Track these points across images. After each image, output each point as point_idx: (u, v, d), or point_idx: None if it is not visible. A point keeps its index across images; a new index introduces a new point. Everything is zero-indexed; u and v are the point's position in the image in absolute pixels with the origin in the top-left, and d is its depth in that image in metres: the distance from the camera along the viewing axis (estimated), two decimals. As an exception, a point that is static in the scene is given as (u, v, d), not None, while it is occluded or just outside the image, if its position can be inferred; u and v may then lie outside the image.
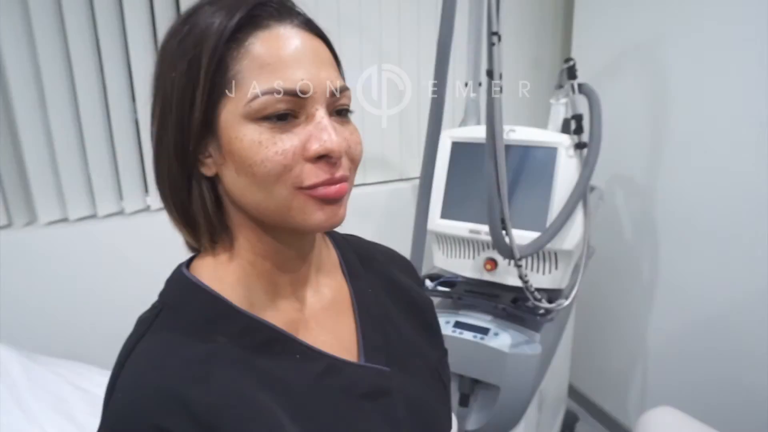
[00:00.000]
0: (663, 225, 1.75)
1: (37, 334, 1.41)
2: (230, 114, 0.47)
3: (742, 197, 1.47)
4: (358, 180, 1.08)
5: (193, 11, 0.49)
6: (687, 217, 1.66)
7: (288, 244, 0.55)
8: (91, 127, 1.48)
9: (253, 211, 0.51)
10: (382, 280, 0.68)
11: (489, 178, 1.14)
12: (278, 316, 0.55)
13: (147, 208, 1.61)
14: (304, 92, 0.47)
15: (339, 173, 0.49)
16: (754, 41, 1.38)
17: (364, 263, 0.67)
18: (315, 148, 0.47)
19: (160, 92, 0.49)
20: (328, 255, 0.64)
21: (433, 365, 0.67)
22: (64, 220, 1.51)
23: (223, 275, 0.53)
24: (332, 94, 0.49)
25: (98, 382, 1.17)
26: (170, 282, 0.55)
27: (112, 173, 1.54)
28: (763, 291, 1.45)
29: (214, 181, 0.52)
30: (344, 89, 0.51)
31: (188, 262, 0.56)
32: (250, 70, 0.47)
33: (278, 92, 0.46)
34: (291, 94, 0.47)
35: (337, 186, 0.49)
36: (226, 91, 0.47)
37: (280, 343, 0.53)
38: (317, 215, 0.49)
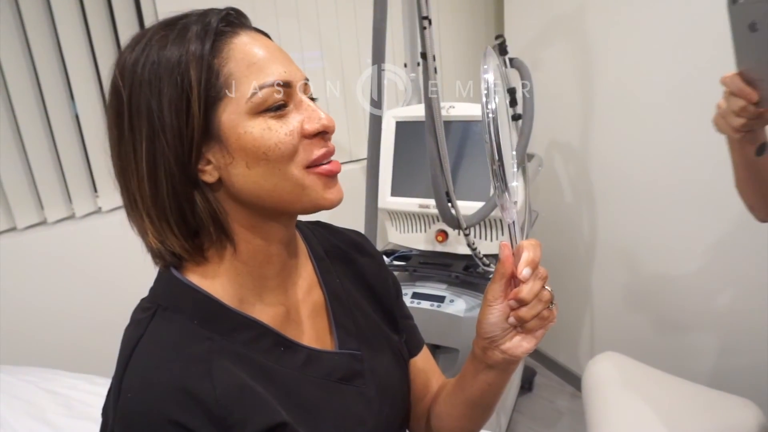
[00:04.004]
0: (599, 185, 1.87)
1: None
2: (232, 114, 0.52)
3: (669, 154, 1.59)
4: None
5: (151, 36, 0.52)
6: (620, 176, 1.78)
7: (280, 236, 0.59)
8: (30, 129, 1.45)
9: (265, 200, 0.54)
10: (346, 268, 0.73)
11: (431, 154, 1.21)
12: (265, 310, 0.60)
13: (98, 210, 1.60)
14: (289, 82, 0.54)
15: (331, 146, 0.57)
16: (672, 3, 1.49)
17: (329, 253, 0.72)
18: (314, 126, 0.54)
19: (139, 115, 0.51)
20: (300, 246, 0.69)
21: (394, 345, 0.73)
22: (12, 229, 1.49)
23: (214, 275, 0.57)
24: (306, 83, 0.57)
25: (68, 384, 1.19)
26: (160, 282, 0.57)
27: (58, 176, 1.52)
28: (693, 241, 1.59)
29: (212, 188, 0.54)
30: (308, 80, 0.58)
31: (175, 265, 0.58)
32: (240, 70, 0.52)
33: (278, 84, 0.52)
34: (285, 85, 0.53)
35: (335, 162, 0.57)
36: (226, 91, 0.51)
37: (267, 338, 0.58)
38: (329, 192, 0.56)
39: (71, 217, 1.57)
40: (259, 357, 0.56)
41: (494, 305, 0.58)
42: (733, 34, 0.69)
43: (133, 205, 0.54)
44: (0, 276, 1.43)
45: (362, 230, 1.41)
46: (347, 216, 1.41)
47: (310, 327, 0.65)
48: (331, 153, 0.56)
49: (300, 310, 0.64)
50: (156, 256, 0.57)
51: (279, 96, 0.53)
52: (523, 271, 0.55)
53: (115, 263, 1.52)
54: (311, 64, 1.90)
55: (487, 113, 0.52)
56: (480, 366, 0.63)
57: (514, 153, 0.62)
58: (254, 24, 0.58)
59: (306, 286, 0.66)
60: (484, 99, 0.52)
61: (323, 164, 0.55)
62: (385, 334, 0.73)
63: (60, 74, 1.48)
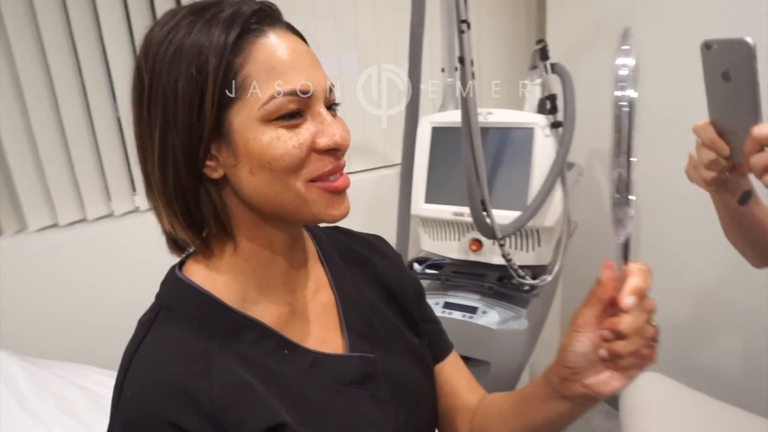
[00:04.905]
0: (641, 196, 1.79)
1: (33, 339, 1.44)
2: (244, 118, 0.50)
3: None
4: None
5: (180, 19, 0.50)
6: (664, 187, 1.70)
7: (282, 238, 0.58)
8: (74, 129, 1.49)
9: (265, 206, 0.54)
10: (362, 271, 0.71)
11: (467, 161, 1.17)
12: (269, 309, 0.58)
13: (136, 209, 1.63)
14: (307, 92, 0.51)
15: (341, 162, 0.54)
16: (724, 12, 1.42)
17: (343, 256, 0.71)
18: (326, 142, 0.52)
19: (156, 101, 0.50)
20: (309, 247, 0.67)
21: (414, 348, 0.70)
22: (54, 225, 1.52)
23: (217, 275, 0.56)
24: (328, 92, 0.54)
25: (98, 381, 1.21)
26: (165, 284, 0.57)
27: (99, 175, 1.56)
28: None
29: (217, 184, 0.54)
30: (333, 86, 0.56)
31: (180, 264, 0.59)
32: (259, 74, 0.50)
33: (294, 93, 0.50)
34: (303, 94, 0.51)
35: (343, 177, 0.55)
36: (241, 94, 0.50)
37: (270, 340, 0.56)
38: (333, 208, 0.54)
39: (110, 215, 1.60)
40: (262, 358, 0.55)
41: (584, 332, 0.52)
42: (706, 82, 0.66)
43: (149, 187, 0.54)
44: (42, 271, 1.47)
45: (394, 236, 1.39)
46: (380, 221, 1.40)
47: (318, 328, 0.63)
48: (339, 170, 0.54)
49: (308, 310, 0.63)
50: (169, 241, 0.58)
51: (293, 106, 0.51)
52: (627, 300, 0.49)
53: (152, 261, 1.54)
54: (347, 66, 1.89)
55: (621, 104, 0.44)
56: (552, 394, 0.57)
57: (634, 160, 0.55)
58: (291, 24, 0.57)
59: (314, 287, 0.65)
60: (617, 86, 0.43)
61: (330, 179, 0.53)
62: (403, 337, 0.70)
63: (104, 76, 1.51)
